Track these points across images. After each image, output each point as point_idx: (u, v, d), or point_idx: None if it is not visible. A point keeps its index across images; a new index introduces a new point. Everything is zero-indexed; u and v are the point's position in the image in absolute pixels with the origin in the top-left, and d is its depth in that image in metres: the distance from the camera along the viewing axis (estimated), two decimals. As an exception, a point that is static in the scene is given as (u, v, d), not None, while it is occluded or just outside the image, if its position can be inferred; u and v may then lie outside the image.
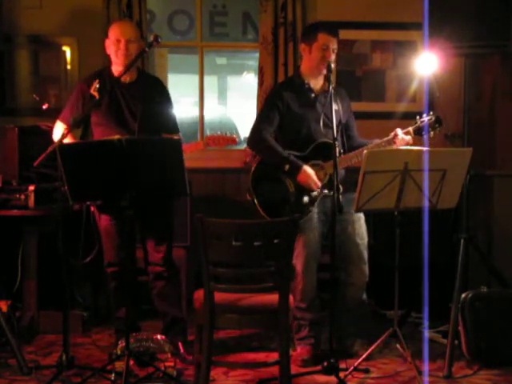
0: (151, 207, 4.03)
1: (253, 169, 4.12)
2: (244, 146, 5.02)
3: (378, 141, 4.10)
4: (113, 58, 4.10)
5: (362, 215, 4.13)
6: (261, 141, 4.08)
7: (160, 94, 4.19)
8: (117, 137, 3.67)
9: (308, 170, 3.99)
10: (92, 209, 4.16)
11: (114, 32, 4.08)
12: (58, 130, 4.09)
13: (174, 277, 4.19)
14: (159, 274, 4.14)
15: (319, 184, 4.01)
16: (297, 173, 3.99)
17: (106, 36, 4.15)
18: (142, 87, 4.13)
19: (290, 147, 4.06)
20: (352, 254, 4.10)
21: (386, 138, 4.07)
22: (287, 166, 4.00)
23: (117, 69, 4.09)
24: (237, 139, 4.21)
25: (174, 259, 4.23)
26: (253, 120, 4.25)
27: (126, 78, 4.08)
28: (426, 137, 4.10)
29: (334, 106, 3.92)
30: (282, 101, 4.09)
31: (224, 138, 4.17)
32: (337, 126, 3.84)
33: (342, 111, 4.12)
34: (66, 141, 3.96)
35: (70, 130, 3.92)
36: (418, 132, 4.11)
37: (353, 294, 4.14)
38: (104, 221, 4.10)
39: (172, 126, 4.16)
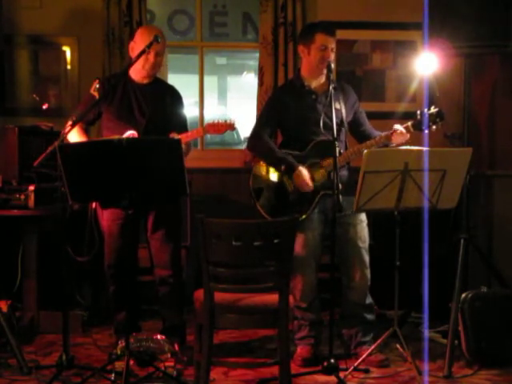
0: (157, 207, 4.04)
1: (252, 170, 4.13)
2: (244, 146, 5.03)
3: (377, 134, 4.06)
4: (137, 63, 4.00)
5: (363, 218, 4.10)
6: (259, 143, 4.10)
7: (172, 96, 4.20)
8: (117, 137, 3.67)
9: (302, 171, 3.98)
10: (94, 206, 4.14)
11: (144, 40, 3.94)
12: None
13: (178, 283, 4.15)
14: (164, 279, 4.12)
15: (311, 185, 3.98)
16: (292, 173, 3.99)
17: (132, 38, 4.16)
18: (155, 89, 4.14)
19: (291, 149, 4.06)
20: (353, 257, 4.07)
21: (384, 134, 4.01)
22: (283, 167, 4.00)
23: (136, 74, 4.10)
24: (235, 125, 4.18)
25: (181, 262, 4.22)
26: (253, 120, 4.27)
27: (143, 80, 4.10)
28: (426, 131, 3.95)
29: (336, 106, 3.92)
30: (280, 104, 4.10)
31: (223, 125, 4.16)
32: (338, 126, 3.84)
33: (347, 109, 4.10)
34: (75, 137, 4.00)
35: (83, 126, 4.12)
36: (418, 127, 3.96)
37: (356, 298, 4.11)
38: (107, 221, 4.09)
39: (181, 126, 4.15)
